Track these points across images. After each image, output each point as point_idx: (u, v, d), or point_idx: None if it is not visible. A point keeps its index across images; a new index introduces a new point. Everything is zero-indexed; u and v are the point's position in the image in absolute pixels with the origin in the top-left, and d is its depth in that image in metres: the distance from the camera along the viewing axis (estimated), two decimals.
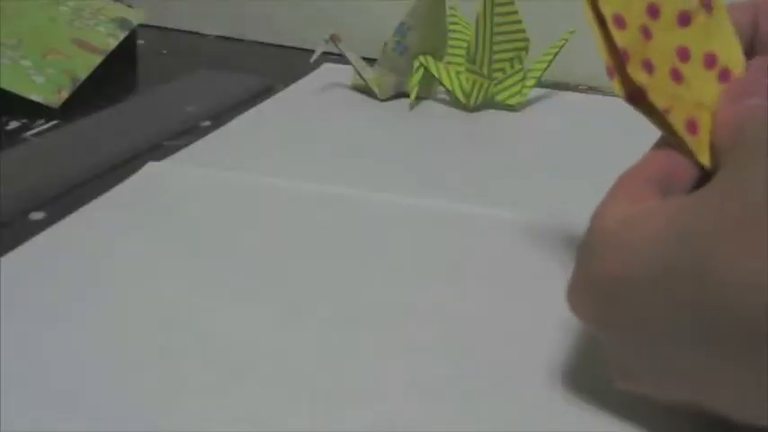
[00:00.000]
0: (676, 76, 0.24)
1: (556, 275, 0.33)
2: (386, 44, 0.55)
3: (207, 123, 0.50)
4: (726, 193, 0.20)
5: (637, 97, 0.24)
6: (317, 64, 0.59)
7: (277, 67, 0.64)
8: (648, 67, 0.24)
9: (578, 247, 0.23)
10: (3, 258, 0.32)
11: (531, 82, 0.54)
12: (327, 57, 0.58)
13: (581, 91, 0.61)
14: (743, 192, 0.19)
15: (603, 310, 0.22)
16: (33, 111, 0.50)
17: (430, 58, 0.53)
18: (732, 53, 0.25)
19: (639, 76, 0.24)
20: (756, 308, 0.18)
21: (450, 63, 0.55)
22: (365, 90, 0.56)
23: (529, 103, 0.56)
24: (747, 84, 0.24)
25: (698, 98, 0.24)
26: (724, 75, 0.25)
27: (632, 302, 0.21)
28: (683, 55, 0.25)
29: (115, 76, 0.59)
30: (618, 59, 0.24)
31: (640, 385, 0.23)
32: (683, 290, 0.20)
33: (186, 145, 0.46)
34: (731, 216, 0.19)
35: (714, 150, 0.23)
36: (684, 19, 0.25)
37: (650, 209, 0.22)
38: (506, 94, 0.54)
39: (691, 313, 0.20)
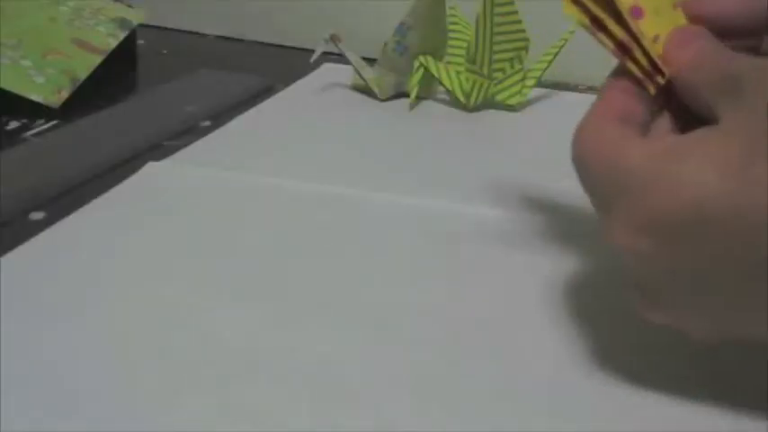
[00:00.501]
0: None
1: (556, 275, 0.33)
2: (386, 44, 0.55)
3: (207, 123, 0.50)
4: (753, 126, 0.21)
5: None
6: (317, 64, 0.59)
7: (277, 67, 0.64)
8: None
9: (601, 191, 0.24)
10: (3, 258, 0.32)
11: (531, 82, 0.54)
12: (327, 57, 0.58)
13: (581, 91, 0.61)
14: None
15: (655, 245, 0.22)
16: (33, 111, 0.50)
17: (430, 58, 0.53)
18: None
19: None
20: None
21: (450, 63, 0.55)
22: (365, 90, 0.56)
23: (529, 103, 0.56)
24: (692, 29, 0.26)
25: None
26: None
27: (691, 237, 0.22)
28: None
29: (115, 76, 0.59)
30: None
31: (670, 316, 0.23)
32: (748, 226, 0.20)
33: (186, 145, 0.46)
34: None
35: (687, 89, 0.25)
36: None
37: (678, 143, 0.23)
38: (506, 94, 0.54)
39: (750, 249, 0.21)
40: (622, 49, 0.26)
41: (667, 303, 0.23)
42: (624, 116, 0.25)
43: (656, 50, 0.26)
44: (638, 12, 0.27)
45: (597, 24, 0.26)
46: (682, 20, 0.27)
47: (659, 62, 0.26)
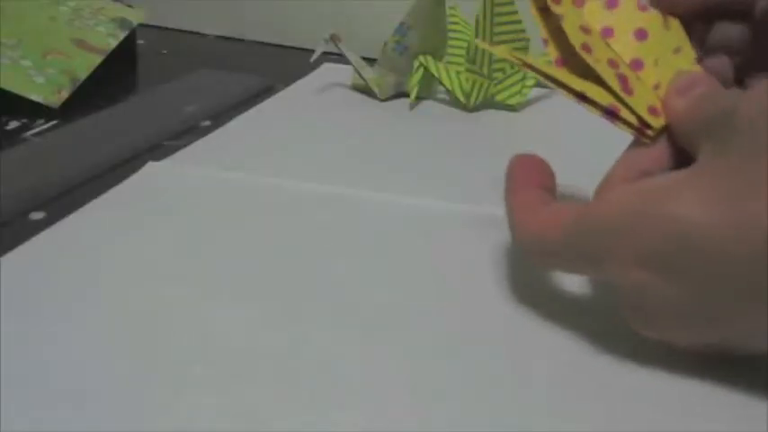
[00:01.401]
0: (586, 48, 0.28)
1: (556, 275, 0.33)
2: (386, 44, 0.55)
3: (207, 123, 0.50)
4: (726, 170, 0.23)
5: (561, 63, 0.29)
6: (317, 64, 0.59)
7: (277, 67, 0.64)
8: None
9: (611, 227, 0.25)
10: (3, 258, 0.32)
11: (531, 82, 0.54)
12: (327, 57, 0.58)
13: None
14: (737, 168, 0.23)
15: (649, 274, 0.24)
16: (33, 111, 0.50)
17: (430, 58, 0.53)
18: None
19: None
20: None
21: (450, 63, 0.56)
22: (365, 90, 0.56)
23: (529, 103, 0.56)
24: (691, 77, 0.28)
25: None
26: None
27: (678, 268, 0.24)
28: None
29: (115, 76, 0.59)
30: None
31: (661, 333, 0.26)
32: (727, 248, 0.22)
33: (186, 145, 0.46)
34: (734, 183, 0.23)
35: (683, 136, 0.27)
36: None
37: (665, 180, 0.25)
38: (506, 94, 0.54)
39: (734, 267, 0.22)
40: (610, 113, 0.28)
41: (658, 323, 0.25)
42: (544, 186, 0.30)
43: (655, 98, 0.28)
44: (638, 64, 0.29)
45: (581, 96, 0.28)
46: (686, 64, 0.28)
47: (648, 117, 0.27)
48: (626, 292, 0.26)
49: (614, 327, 0.29)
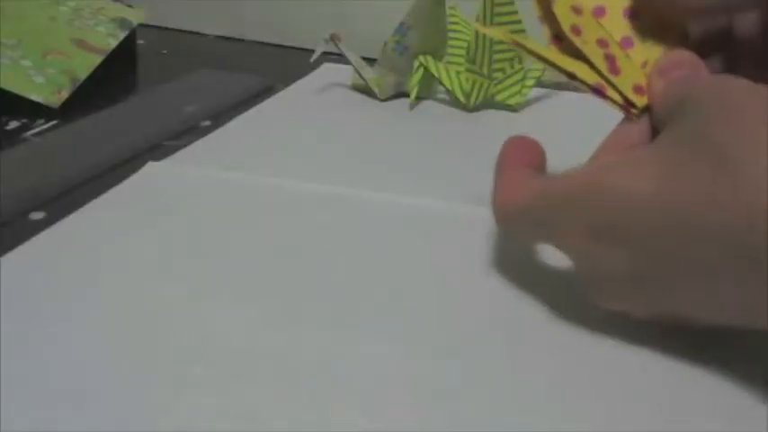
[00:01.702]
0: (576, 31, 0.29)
1: (556, 274, 0.33)
2: (386, 44, 0.55)
3: (207, 123, 0.50)
4: (680, 142, 0.24)
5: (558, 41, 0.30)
6: (317, 64, 0.59)
7: (277, 67, 0.64)
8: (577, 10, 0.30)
9: (568, 198, 0.27)
10: (3, 258, 0.32)
11: (530, 82, 0.54)
12: (327, 57, 0.58)
13: (581, 91, 0.60)
14: (696, 141, 0.24)
15: (590, 246, 0.26)
16: (33, 111, 0.50)
17: (430, 58, 0.53)
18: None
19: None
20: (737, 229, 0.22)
21: (450, 63, 0.56)
22: (365, 90, 0.56)
23: (529, 103, 0.56)
24: (675, 59, 0.28)
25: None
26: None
27: (618, 237, 0.25)
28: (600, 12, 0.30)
29: (115, 76, 0.59)
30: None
31: (623, 304, 0.27)
32: (667, 221, 0.23)
33: (186, 145, 0.46)
34: (697, 162, 0.23)
35: (656, 116, 0.28)
36: None
37: (619, 158, 0.26)
38: (506, 94, 0.54)
39: (682, 241, 0.23)
40: (597, 91, 0.29)
41: (610, 294, 0.27)
42: (534, 165, 0.31)
43: (642, 77, 0.29)
44: (628, 42, 0.30)
45: (571, 75, 0.29)
46: (673, 41, 0.29)
47: (632, 96, 0.29)
48: (579, 263, 0.27)
49: (616, 327, 0.30)
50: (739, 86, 0.24)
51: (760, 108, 0.23)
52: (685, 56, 0.28)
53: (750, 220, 0.21)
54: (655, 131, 0.28)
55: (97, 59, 0.56)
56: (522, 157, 0.31)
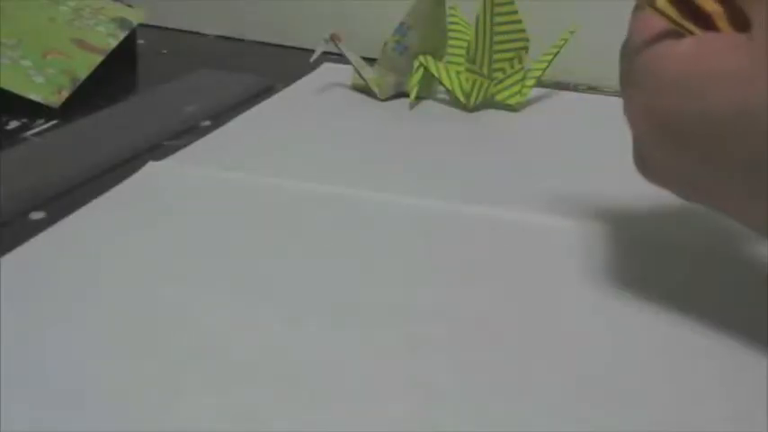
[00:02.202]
0: None
1: (556, 274, 0.33)
2: (386, 44, 0.55)
3: (207, 123, 0.50)
4: None
5: None
6: (317, 64, 0.59)
7: (277, 67, 0.64)
8: None
9: (638, 78, 0.26)
10: (3, 258, 0.32)
11: (530, 82, 0.54)
12: (327, 57, 0.58)
13: (581, 91, 0.61)
14: None
15: (655, 133, 0.26)
16: (33, 111, 0.50)
17: (430, 58, 0.53)
18: None
19: None
20: None
21: (450, 63, 0.55)
22: (365, 90, 0.56)
23: (529, 103, 0.56)
24: None
25: None
26: None
27: (690, 140, 0.25)
28: None
29: (115, 76, 0.59)
30: None
31: (668, 185, 0.27)
32: (743, 132, 0.23)
33: (186, 145, 0.46)
34: None
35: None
36: None
37: (715, 46, 0.24)
38: (506, 94, 0.54)
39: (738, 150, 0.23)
40: None
41: (668, 176, 0.27)
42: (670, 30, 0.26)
43: None
44: None
45: None
46: None
47: None
48: (636, 138, 0.27)
49: (617, 325, 0.30)
50: None
51: None
52: None
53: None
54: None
55: (97, 59, 0.56)
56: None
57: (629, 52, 0.27)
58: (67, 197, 0.39)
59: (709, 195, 0.26)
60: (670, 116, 0.25)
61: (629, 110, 0.27)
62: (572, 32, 0.54)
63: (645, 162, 0.27)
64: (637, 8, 0.27)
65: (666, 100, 0.25)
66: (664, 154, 0.26)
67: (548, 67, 0.54)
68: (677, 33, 0.25)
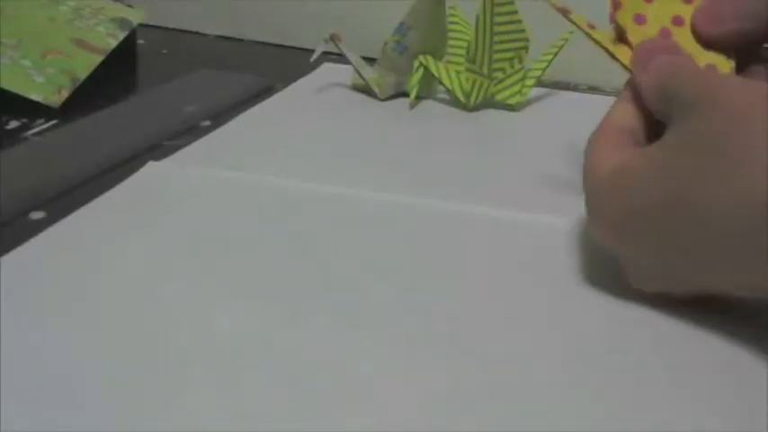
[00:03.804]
0: (665, 34, 0.32)
1: (555, 274, 0.33)
2: (386, 44, 0.55)
3: (207, 123, 0.50)
4: (683, 144, 0.27)
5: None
6: (317, 64, 0.59)
7: (277, 67, 0.64)
8: (640, 19, 0.33)
9: (586, 192, 0.31)
10: (3, 258, 0.32)
11: (530, 82, 0.54)
12: (327, 57, 0.58)
13: (581, 91, 0.61)
14: (696, 141, 0.26)
15: (619, 237, 0.29)
16: (33, 110, 0.50)
17: (430, 58, 0.53)
18: None
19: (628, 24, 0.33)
20: (744, 217, 0.25)
21: (450, 63, 0.56)
22: (365, 90, 0.56)
23: (529, 103, 0.56)
24: (648, 47, 0.32)
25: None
26: None
27: (641, 229, 0.28)
28: (678, 21, 0.32)
29: (115, 76, 0.59)
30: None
31: (655, 285, 0.29)
32: (679, 213, 0.27)
33: (186, 145, 0.46)
34: (698, 160, 0.26)
35: (651, 104, 0.30)
36: None
37: (634, 157, 0.29)
38: (506, 93, 0.54)
39: (688, 228, 0.26)
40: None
41: (647, 276, 0.29)
42: (621, 126, 0.31)
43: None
44: (641, 19, 0.33)
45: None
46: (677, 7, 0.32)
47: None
48: (618, 252, 0.30)
49: (616, 325, 0.30)
50: (736, 86, 0.27)
51: (758, 107, 0.25)
52: (657, 42, 0.32)
53: (750, 210, 0.24)
54: (649, 117, 0.31)
55: (97, 59, 0.56)
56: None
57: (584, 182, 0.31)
58: (67, 197, 0.39)
59: (697, 277, 0.28)
60: (626, 223, 0.28)
61: (597, 234, 0.30)
62: (572, 32, 0.54)
63: (634, 274, 0.30)
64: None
65: (617, 207, 0.29)
66: (645, 256, 0.29)
67: (548, 67, 0.54)
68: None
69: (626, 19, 0.33)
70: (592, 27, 0.34)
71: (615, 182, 0.29)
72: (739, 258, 0.25)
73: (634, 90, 0.31)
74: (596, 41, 0.34)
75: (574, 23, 0.34)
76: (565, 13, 0.35)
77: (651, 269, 0.29)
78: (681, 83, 0.28)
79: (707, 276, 0.27)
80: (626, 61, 0.33)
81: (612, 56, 0.33)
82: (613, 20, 0.33)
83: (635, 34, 0.33)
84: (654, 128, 0.30)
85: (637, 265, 0.29)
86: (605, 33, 0.34)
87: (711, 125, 0.26)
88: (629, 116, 0.31)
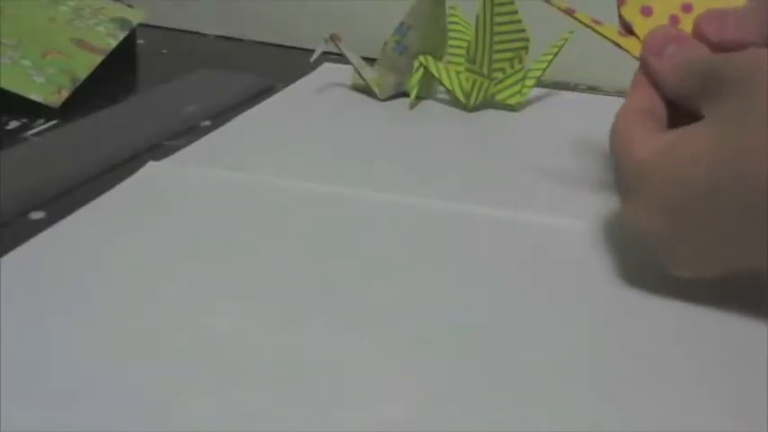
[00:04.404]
0: (674, 21, 0.33)
1: (554, 274, 0.33)
2: (386, 44, 0.55)
3: (207, 123, 0.50)
4: (735, 121, 0.27)
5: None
6: (317, 64, 0.59)
7: (277, 67, 0.64)
8: (646, 11, 0.33)
9: (623, 176, 0.30)
10: (3, 258, 0.32)
11: (530, 82, 0.54)
12: (327, 57, 0.58)
13: (581, 91, 0.61)
14: (751, 118, 0.26)
15: (664, 219, 0.29)
16: (33, 111, 0.50)
17: (430, 58, 0.53)
18: None
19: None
20: None
21: (450, 63, 0.55)
22: (365, 90, 0.56)
23: (529, 103, 0.56)
24: (659, 35, 0.32)
25: None
26: None
27: (686, 212, 0.28)
28: (687, 8, 0.33)
29: (115, 76, 0.59)
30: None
31: (693, 269, 0.29)
32: (726, 196, 0.27)
33: (186, 145, 0.46)
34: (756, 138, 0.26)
35: (674, 89, 0.31)
36: None
37: (680, 137, 0.29)
38: (506, 93, 0.54)
39: (733, 210, 0.27)
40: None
41: (688, 261, 0.29)
42: (644, 109, 0.31)
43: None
44: (647, 11, 0.33)
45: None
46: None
47: None
48: (650, 238, 0.30)
49: (615, 326, 0.30)
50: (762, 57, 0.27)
51: None
52: (667, 30, 0.32)
53: None
54: (670, 104, 0.31)
55: (97, 59, 0.56)
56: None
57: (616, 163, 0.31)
58: (67, 197, 0.39)
59: (739, 256, 0.28)
60: (675, 205, 0.28)
61: (635, 217, 0.30)
62: (572, 33, 0.54)
63: (670, 257, 0.30)
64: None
65: (663, 189, 0.28)
66: (689, 238, 0.28)
67: (548, 67, 0.54)
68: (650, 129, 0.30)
69: (632, 13, 0.33)
70: (597, 23, 0.34)
71: (664, 162, 0.28)
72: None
73: (647, 77, 0.32)
74: (603, 35, 0.34)
75: (579, 21, 0.35)
76: (569, 13, 0.35)
77: (691, 251, 0.29)
78: (717, 63, 0.29)
79: (751, 256, 0.27)
80: (635, 52, 0.33)
81: (621, 47, 0.33)
82: (619, 15, 0.34)
83: (642, 27, 0.33)
84: (668, 112, 0.31)
85: (677, 248, 0.29)
86: (611, 27, 0.34)
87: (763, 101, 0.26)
88: (648, 101, 0.31)
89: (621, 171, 0.30)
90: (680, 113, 0.31)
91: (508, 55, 0.53)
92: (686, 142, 0.28)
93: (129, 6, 0.65)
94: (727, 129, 0.27)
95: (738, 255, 0.28)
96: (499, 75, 0.53)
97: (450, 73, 0.54)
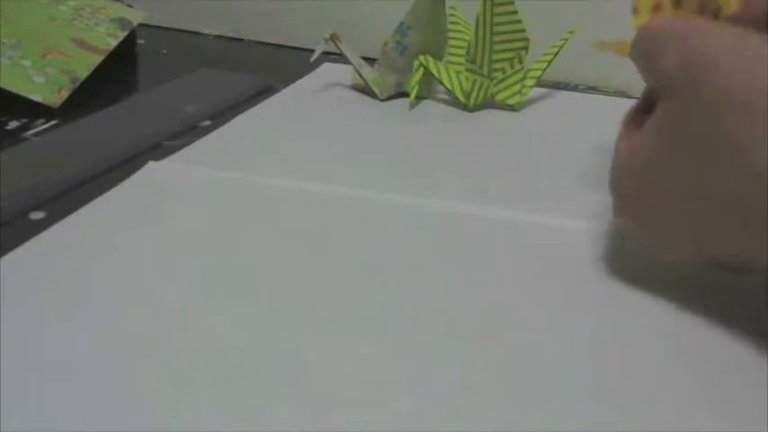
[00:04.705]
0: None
1: (554, 274, 0.33)
2: (386, 44, 0.55)
3: (207, 123, 0.50)
4: (673, 122, 0.27)
5: None
6: (317, 64, 0.59)
7: (277, 67, 0.64)
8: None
9: (611, 175, 0.31)
10: (3, 258, 0.32)
11: (530, 82, 0.54)
12: (327, 56, 0.58)
13: (581, 91, 0.61)
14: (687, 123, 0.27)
15: (643, 215, 0.30)
16: (33, 111, 0.50)
17: (430, 58, 0.53)
18: None
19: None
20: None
21: (450, 63, 0.55)
22: (365, 90, 0.56)
23: (529, 103, 0.56)
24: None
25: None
26: None
27: (657, 204, 0.29)
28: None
29: (115, 76, 0.59)
30: None
31: (682, 254, 0.29)
32: (685, 191, 0.27)
33: (186, 145, 0.46)
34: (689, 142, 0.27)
35: (643, 76, 0.30)
36: None
37: (639, 135, 0.29)
38: (506, 93, 0.54)
39: (695, 203, 0.27)
40: None
41: (675, 246, 0.29)
42: (641, 104, 0.31)
43: None
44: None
45: None
46: None
47: None
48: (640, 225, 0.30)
49: (616, 326, 0.30)
50: (723, 54, 0.26)
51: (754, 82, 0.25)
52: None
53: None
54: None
55: (97, 59, 0.56)
56: None
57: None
58: (67, 197, 0.39)
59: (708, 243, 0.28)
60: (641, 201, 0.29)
61: (618, 214, 0.31)
62: (572, 33, 0.54)
63: (661, 241, 0.30)
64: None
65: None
66: (666, 229, 0.29)
67: (548, 67, 0.54)
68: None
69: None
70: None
71: (630, 160, 0.30)
72: (744, 232, 0.26)
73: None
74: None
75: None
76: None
77: (679, 236, 0.29)
78: (661, 49, 0.28)
79: (721, 248, 0.28)
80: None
81: None
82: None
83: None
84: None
85: (660, 238, 0.30)
86: None
87: (699, 107, 0.26)
88: (644, 97, 0.31)
89: (610, 170, 0.31)
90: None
91: (508, 55, 0.53)
92: (639, 139, 0.29)
93: (129, 6, 0.65)
94: (661, 129, 0.28)
95: (711, 247, 0.28)
96: (499, 75, 0.53)
97: (451, 73, 0.54)
